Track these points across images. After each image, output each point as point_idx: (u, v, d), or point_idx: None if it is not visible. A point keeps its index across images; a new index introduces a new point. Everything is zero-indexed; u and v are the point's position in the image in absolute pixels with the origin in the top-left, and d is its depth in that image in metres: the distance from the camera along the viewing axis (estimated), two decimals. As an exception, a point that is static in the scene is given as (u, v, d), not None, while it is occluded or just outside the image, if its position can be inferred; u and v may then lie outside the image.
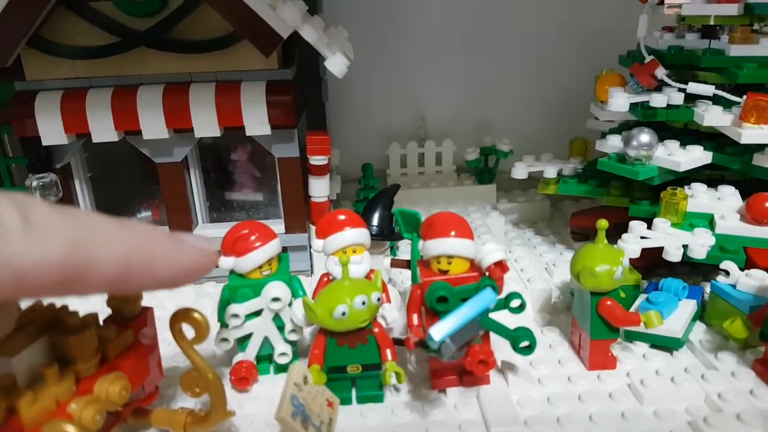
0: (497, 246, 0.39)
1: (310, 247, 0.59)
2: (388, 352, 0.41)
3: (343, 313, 0.38)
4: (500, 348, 0.44)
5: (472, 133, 0.80)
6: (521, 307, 0.40)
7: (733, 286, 0.48)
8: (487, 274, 0.40)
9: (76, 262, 0.20)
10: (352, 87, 0.78)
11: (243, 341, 0.44)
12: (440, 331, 0.33)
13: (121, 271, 0.22)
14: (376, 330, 0.41)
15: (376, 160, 0.74)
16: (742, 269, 0.48)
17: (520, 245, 0.66)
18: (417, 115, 0.82)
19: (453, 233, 0.40)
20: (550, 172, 0.64)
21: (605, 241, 0.45)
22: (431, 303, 0.39)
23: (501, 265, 0.39)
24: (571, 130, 0.71)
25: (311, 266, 0.60)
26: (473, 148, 0.75)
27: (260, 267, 0.42)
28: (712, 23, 0.55)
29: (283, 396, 0.36)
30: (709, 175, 0.57)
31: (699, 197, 0.54)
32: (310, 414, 0.37)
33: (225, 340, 0.43)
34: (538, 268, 0.59)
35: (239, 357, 0.44)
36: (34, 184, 0.52)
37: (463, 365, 0.40)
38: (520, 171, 0.65)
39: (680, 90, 0.54)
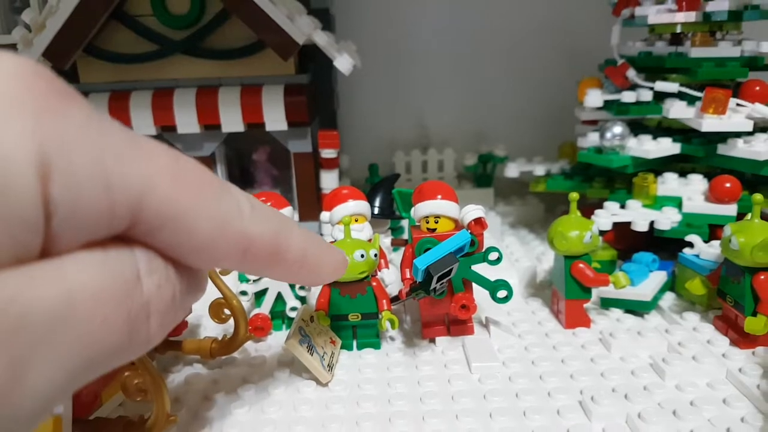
0: (477, 206, 0.46)
1: (321, 235, 0.66)
2: (384, 302, 0.47)
3: (344, 263, 0.45)
4: (485, 309, 0.50)
5: (471, 141, 0.86)
6: (498, 260, 0.45)
7: (697, 256, 0.53)
8: (468, 231, 0.46)
9: (278, 242, 0.26)
10: (362, 100, 0.86)
11: (259, 297, 0.50)
12: (423, 261, 0.39)
13: (301, 257, 0.28)
14: (374, 283, 0.47)
15: (383, 167, 0.81)
16: (706, 242, 0.54)
17: (515, 241, 0.71)
18: (420, 126, 0.89)
19: (440, 196, 0.46)
20: (540, 171, 0.71)
21: (577, 212, 0.51)
22: (420, 254, 0.45)
23: (480, 222, 0.45)
24: (562, 136, 0.77)
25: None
26: (472, 155, 0.82)
27: (275, 230, 0.49)
28: (678, 31, 0.62)
29: (293, 327, 0.42)
30: (682, 168, 0.63)
31: (669, 183, 0.59)
32: (315, 345, 0.43)
33: (244, 293, 0.49)
34: (528, 255, 0.65)
35: (255, 311, 0.50)
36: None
37: (449, 314, 0.46)
38: (512, 170, 0.71)
39: (649, 88, 0.60)
